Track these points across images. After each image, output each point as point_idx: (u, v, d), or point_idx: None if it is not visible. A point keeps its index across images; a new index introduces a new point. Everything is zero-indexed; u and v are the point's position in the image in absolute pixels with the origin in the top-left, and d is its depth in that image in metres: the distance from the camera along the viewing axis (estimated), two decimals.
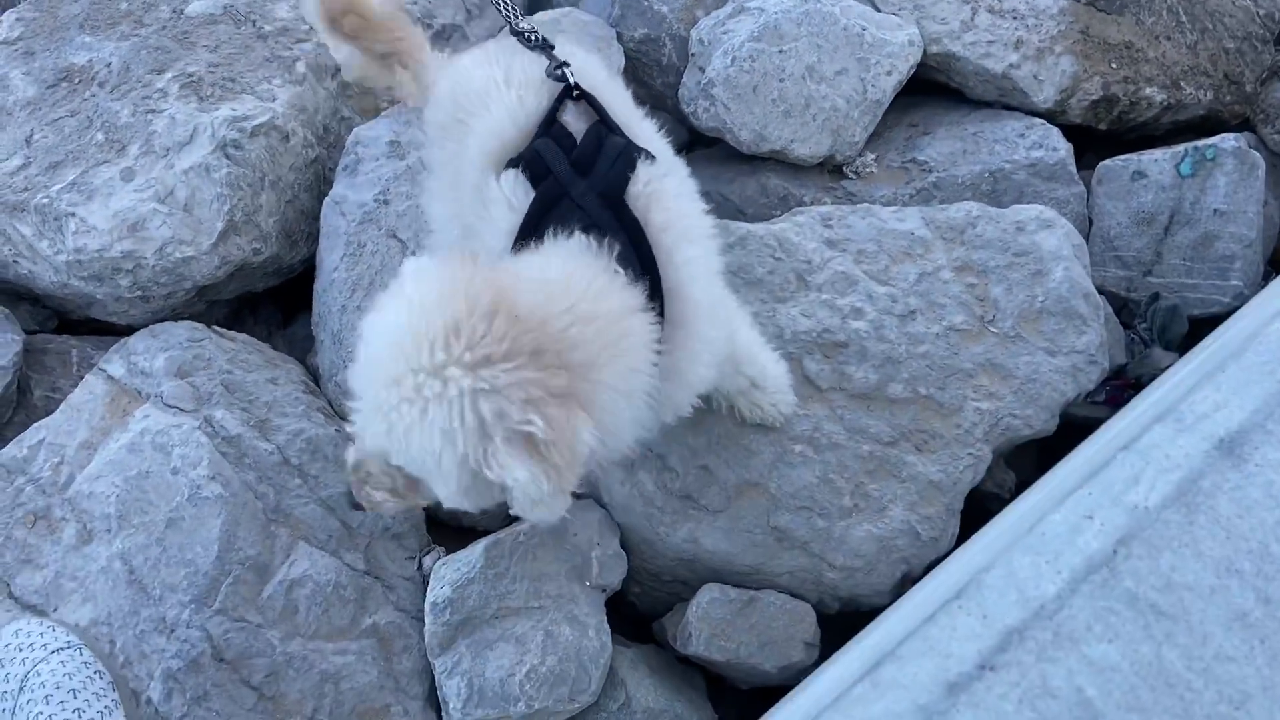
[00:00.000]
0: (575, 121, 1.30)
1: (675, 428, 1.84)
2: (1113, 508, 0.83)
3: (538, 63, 1.35)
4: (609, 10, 2.31)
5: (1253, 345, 0.88)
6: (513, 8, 1.38)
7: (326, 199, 1.97)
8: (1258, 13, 2.24)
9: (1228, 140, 2.09)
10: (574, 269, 1.12)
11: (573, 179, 1.21)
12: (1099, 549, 0.81)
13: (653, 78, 2.36)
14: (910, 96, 2.36)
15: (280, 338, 2.11)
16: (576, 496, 1.45)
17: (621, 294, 1.13)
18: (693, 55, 2.20)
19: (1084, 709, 0.75)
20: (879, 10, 2.27)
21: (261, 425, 1.75)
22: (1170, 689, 0.75)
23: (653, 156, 1.28)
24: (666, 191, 1.26)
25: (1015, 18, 2.23)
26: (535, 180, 1.24)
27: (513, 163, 1.28)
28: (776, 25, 2.14)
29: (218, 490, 1.62)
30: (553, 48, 1.37)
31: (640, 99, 2.35)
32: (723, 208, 2.26)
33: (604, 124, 1.29)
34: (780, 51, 2.14)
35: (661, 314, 1.20)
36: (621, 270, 1.14)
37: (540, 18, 2.23)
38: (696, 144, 2.38)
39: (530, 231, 1.22)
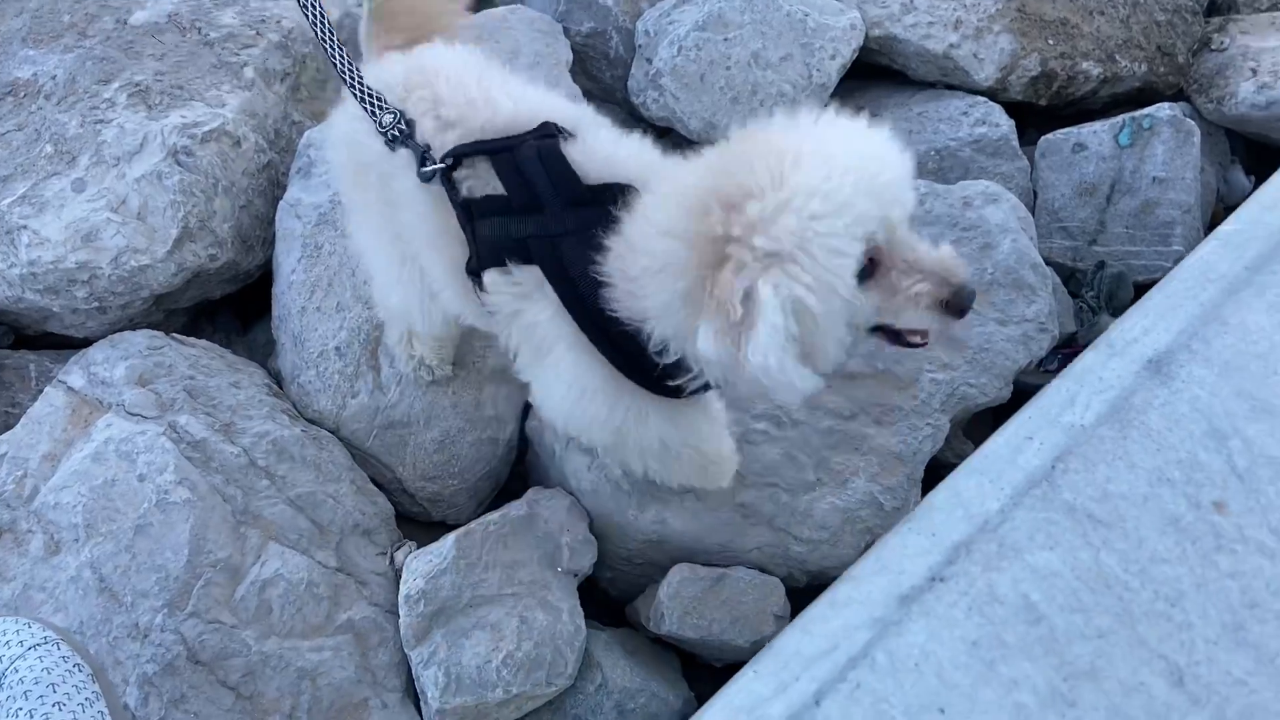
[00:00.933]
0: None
1: None
2: (1051, 428, 0.89)
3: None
4: (555, 6, 2.34)
5: (1176, 273, 0.94)
6: (375, 98, 1.32)
7: (281, 202, 1.98)
8: None
9: (1163, 110, 2.17)
10: None
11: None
12: (1038, 466, 0.86)
13: (601, 71, 2.40)
14: (857, 80, 2.42)
15: (240, 344, 2.12)
16: None
17: None
18: (639, 47, 2.24)
19: (1029, 612, 0.80)
20: None
21: (226, 429, 1.76)
22: (1109, 590, 0.81)
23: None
24: None
25: None
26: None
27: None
28: (721, 14, 2.19)
29: (185, 495, 1.64)
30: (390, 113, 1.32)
31: (591, 93, 2.40)
32: None
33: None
34: (725, 40, 2.18)
35: None
36: None
37: (487, 15, 2.26)
38: (648, 135, 2.41)
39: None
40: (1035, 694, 0.76)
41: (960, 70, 2.30)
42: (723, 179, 1.06)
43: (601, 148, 1.26)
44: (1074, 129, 2.25)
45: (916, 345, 1.11)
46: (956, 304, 1.05)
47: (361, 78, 1.33)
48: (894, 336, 1.12)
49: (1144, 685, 0.78)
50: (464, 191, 1.26)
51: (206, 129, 1.94)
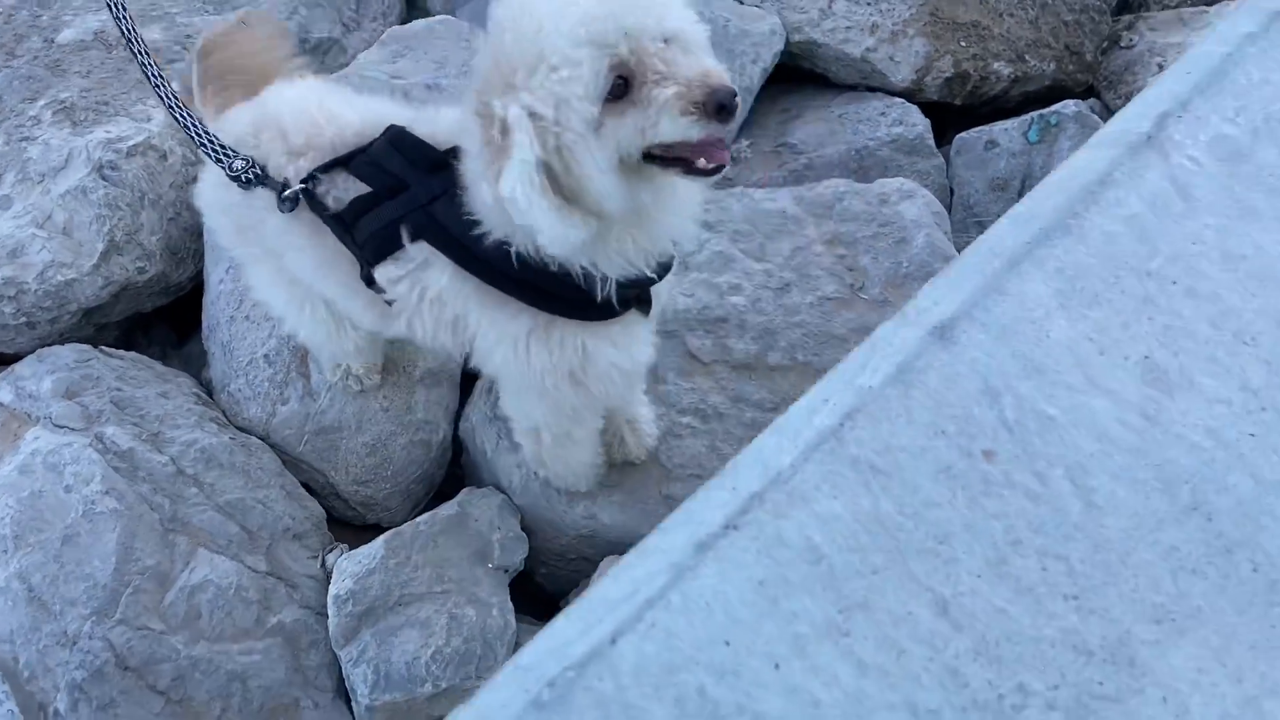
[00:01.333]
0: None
1: None
2: (844, 390, 0.95)
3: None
4: (483, 17, 2.39)
5: (971, 249, 1.01)
6: (222, 148, 1.33)
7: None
8: None
9: (1069, 106, 2.26)
10: None
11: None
12: (829, 424, 0.93)
13: None
14: (781, 85, 2.49)
15: (175, 356, 2.14)
16: None
17: None
18: None
19: (812, 553, 0.87)
20: (741, 3, 2.39)
21: (154, 438, 1.78)
22: (885, 531, 0.87)
23: None
24: None
25: (869, 3, 2.37)
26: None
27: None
28: None
29: (112, 505, 1.66)
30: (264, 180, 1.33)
31: None
32: None
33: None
34: None
35: None
36: None
37: (415, 26, 2.30)
38: None
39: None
40: (812, 625, 0.83)
41: (878, 73, 2.37)
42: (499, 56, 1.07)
43: (445, 118, 1.27)
44: (987, 127, 2.33)
45: (708, 172, 1.05)
46: (712, 103, 0.98)
47: (207, 130, 1.35)
48: (683, 165, 1.06)
49: (912, 615, 0.84)
50: (332, 205, 1.28)
51: (132, 143, 1.96)
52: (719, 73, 1.02)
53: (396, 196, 1.23)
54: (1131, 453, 0.94)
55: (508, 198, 1.03)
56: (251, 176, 1.31)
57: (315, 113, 1.34)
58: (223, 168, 1.32)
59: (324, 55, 2.36)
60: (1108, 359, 0.97)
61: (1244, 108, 1.08)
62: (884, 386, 0.95)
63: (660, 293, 1.35)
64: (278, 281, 1.53)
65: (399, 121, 1.28)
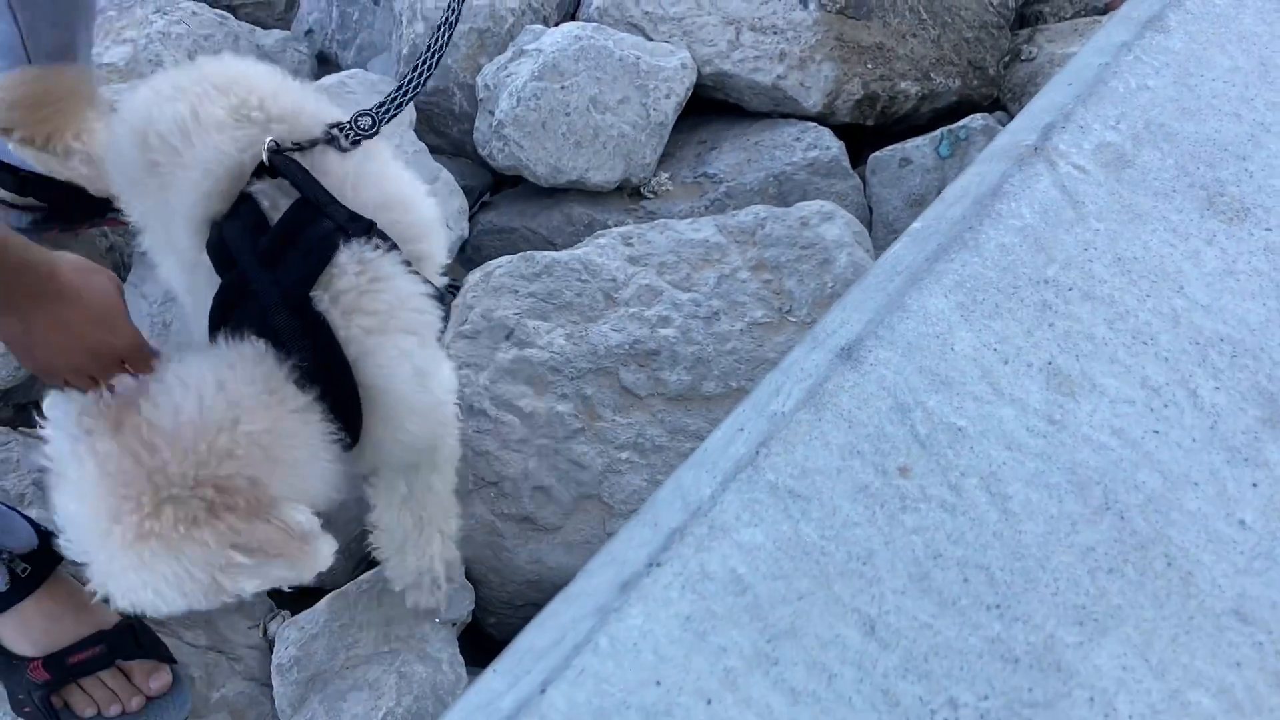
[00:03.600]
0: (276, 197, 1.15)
1: (505, 452, 1.91)
2: (758, 418, 0.95)
3: (223, 99, 1.19)
4: (395, 68, 2.39)
5: (872, 269, 1.03)
6: None
7: (126, 284, 1.96)
8: (990, 3, 2.49)
9: (976, 120, 2.32)
10: (232, 382, 1.02)
11: (257, 272, 1.08)
12: (744, 453, 0.93)
13: (449, 127, 2.45)
14: (697, 116, 2.52)
15: None
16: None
17: (281, 405, 1.04)
18: (481, 100, 2.30)
19: (736, 584, 0.86)
20: (650, 39, 2.42)
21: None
22: (807, 555, 0.87)
23: (371, 234, 1.13)
24: (382, 274, 1.12)
25: (775, 33, 2.42)
26: (223, 267, 1.13)
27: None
28: (555, 63, 2.26)
29: None
30: None
31: (440, 148, 2.45)
32: (532, 240, 2.36)
33: (308, 202, 1.12)
34: (562, 88, 2.26)
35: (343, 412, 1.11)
36: (292, 380, 1.06)
37: (326, 81, 2.29)
38: (501, 185, 2.47)
39: (216, 329, 1.12)
40: (742, 657, 0.82)
41: (790, 99, 2.41)
42: None
43: None
44: (900, 145, 2.38)
45: None
46: None
47: None
48: None
49: (840, 637, 0.84)
50: None
51: None
52: None
53: None
54: (1042, 458, 0.96)
55: None
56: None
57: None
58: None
59: None
60: (1011, 367, 0.99)
61: (1124, 114, 1.11)
62: (796, 411, 0.95)
63: None
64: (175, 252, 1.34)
65: None
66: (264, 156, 1.12)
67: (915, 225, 1.07)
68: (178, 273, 1.32)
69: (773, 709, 0.84)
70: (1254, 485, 0.96)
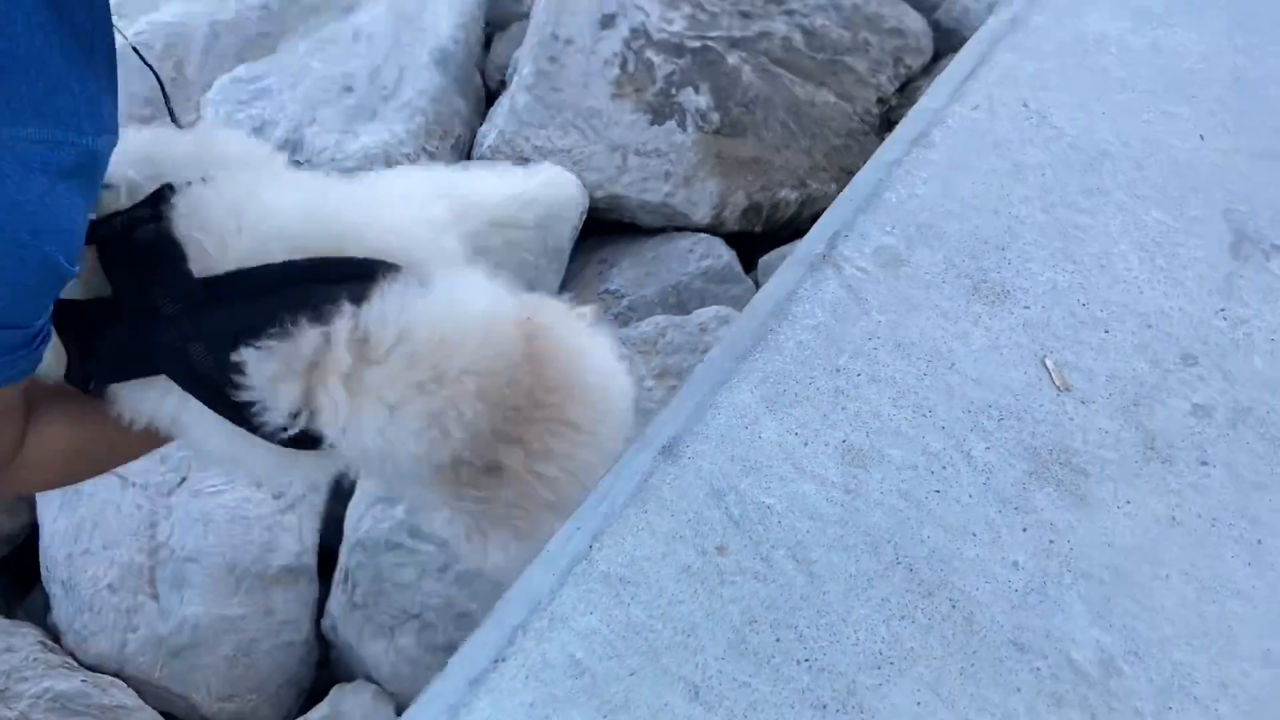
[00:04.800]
0: None
1: (426, 581, 2.08)
2: (592, 516, 1.15)
3: None
4: None
5: (692, 374, 1.25)
6: None
7: None
8: (854, 112, 2.82)
9: None
10: None
11: None
12: (580, 548, 1.12)
13: None
14: (595, 237, 2.80)
15: (20, 608, 2.23)
16: None
17: None
18: None
19: (574, 667, 1.04)
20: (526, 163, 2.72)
21: (2, 695, 1.87)
22: (637, 635, 1.06)
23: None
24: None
25: (659, 155, 2.73)
26: None
27: None
28: None
29: None
30: None
31: None
32: None
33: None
34: None
35: None
36: None
37: None
38: None
39: None
40: None
41: (680, 214, 2.70)
42: None
43: None
44: (787, 247, 2.66)
45: None
46: None
47: None
48: None
49: (668, 705, 1.02)
50: None
51: None
52: None
53: None
54: (840, 524, 1.16)
55: None
56: None
57: None
58: None
59: None
60: (811, 448, 1.21)
61: (898, 221, 1.37)
62: (625, 506, 1.16)
63: None
64: None
65: None
66: None
67: (729, 331, 1.30)
68: None
69: None
70: (1024, 530, 1.17)
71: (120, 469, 2.12)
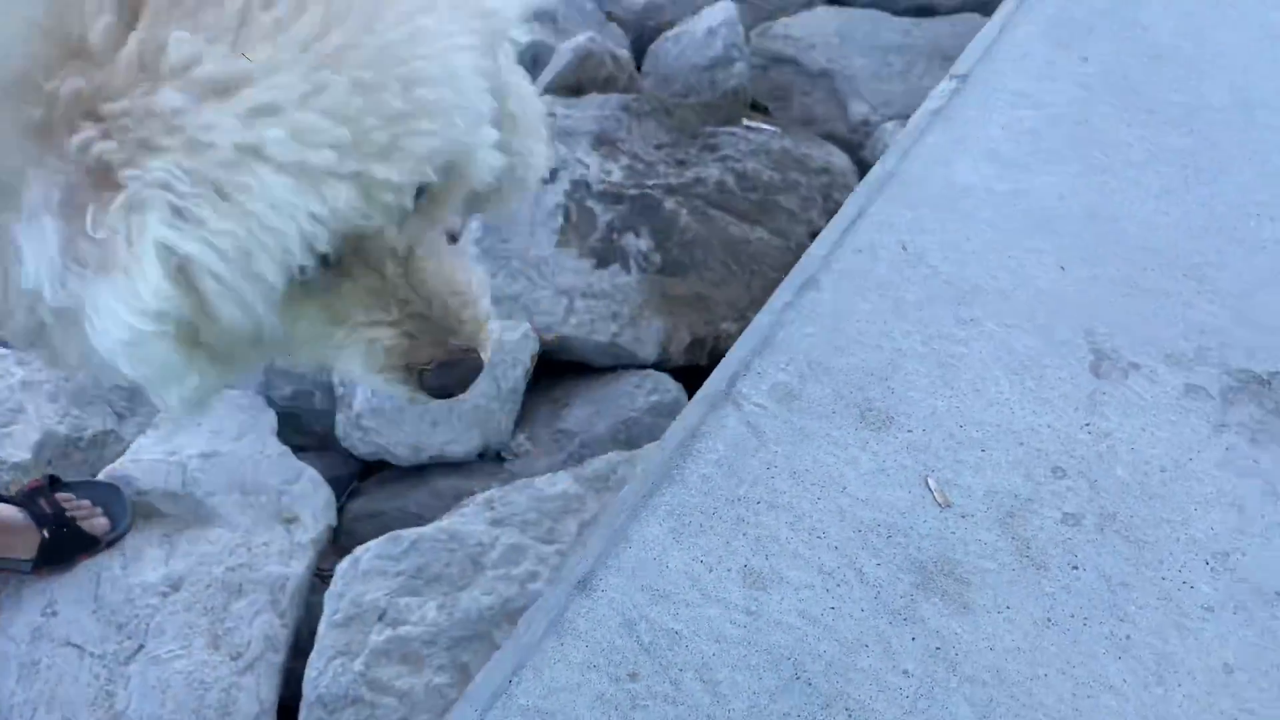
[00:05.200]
0: None
1: None
2: (514, 650, 1.26)
3: None
4: (256, 378, 2.82)
5: (601, 511, 1.38)
6: None
7: None
8: (788, 246, 3.05)
9: None
10: None
11: None
12: (501, 681, 1.23)
13: (313, 425, 2.86)
14: (547, 378, 2.97)
15: None
16: None
17: None
18: (339, 396, 2.72)
19: None
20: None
21: None
22: None
23: None
24: None
25: (605, 297, 2.93)
26: None
27: None
28: None
29: None
30: None
31: (306, 446, 2.84)
32: (404, 519, 2.70)
33: None
34: None
35: None
36: None
37: None
38: (369, 472, 2.85)
39: None
40: None
41: (628, 352, 2.88)
42: None
43: None
44: None
45: None
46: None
47: None
48: None
49: None
50: None
51: None
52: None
53: None
54: (743, 645, 1.28)
55: None
56: None
57: None
58: None
59: (101, 449, 2.71)
60: (715, 574, 1.34)
61: (791, 359, 1.53)
62: (542, 640, 1.28)
63: None
64: None
65: None
66: None
67: (638, 469, 1.44)
68: None
69: None
70: (913, 639, 1.29)
71: (77, 638, 2.20)
